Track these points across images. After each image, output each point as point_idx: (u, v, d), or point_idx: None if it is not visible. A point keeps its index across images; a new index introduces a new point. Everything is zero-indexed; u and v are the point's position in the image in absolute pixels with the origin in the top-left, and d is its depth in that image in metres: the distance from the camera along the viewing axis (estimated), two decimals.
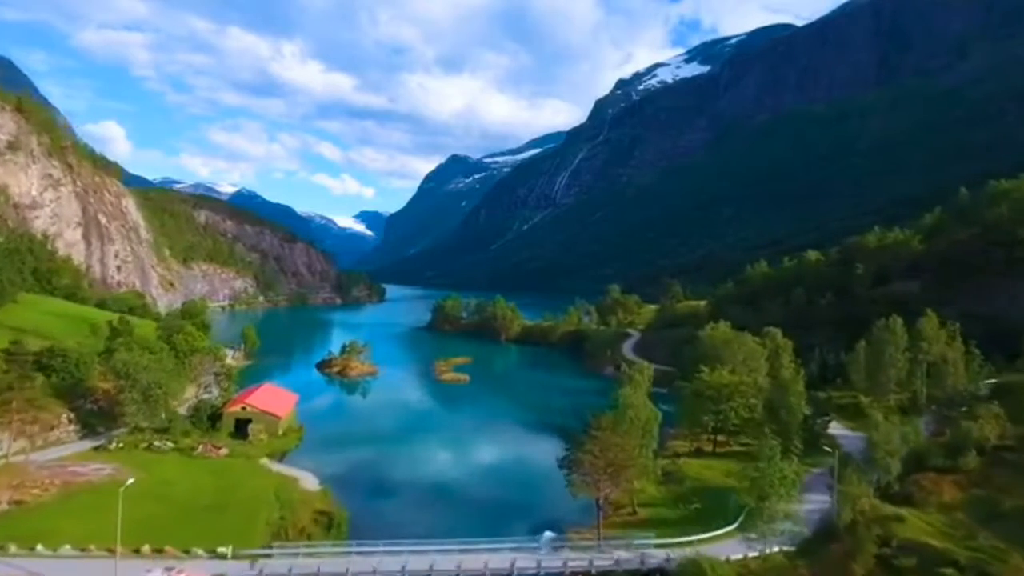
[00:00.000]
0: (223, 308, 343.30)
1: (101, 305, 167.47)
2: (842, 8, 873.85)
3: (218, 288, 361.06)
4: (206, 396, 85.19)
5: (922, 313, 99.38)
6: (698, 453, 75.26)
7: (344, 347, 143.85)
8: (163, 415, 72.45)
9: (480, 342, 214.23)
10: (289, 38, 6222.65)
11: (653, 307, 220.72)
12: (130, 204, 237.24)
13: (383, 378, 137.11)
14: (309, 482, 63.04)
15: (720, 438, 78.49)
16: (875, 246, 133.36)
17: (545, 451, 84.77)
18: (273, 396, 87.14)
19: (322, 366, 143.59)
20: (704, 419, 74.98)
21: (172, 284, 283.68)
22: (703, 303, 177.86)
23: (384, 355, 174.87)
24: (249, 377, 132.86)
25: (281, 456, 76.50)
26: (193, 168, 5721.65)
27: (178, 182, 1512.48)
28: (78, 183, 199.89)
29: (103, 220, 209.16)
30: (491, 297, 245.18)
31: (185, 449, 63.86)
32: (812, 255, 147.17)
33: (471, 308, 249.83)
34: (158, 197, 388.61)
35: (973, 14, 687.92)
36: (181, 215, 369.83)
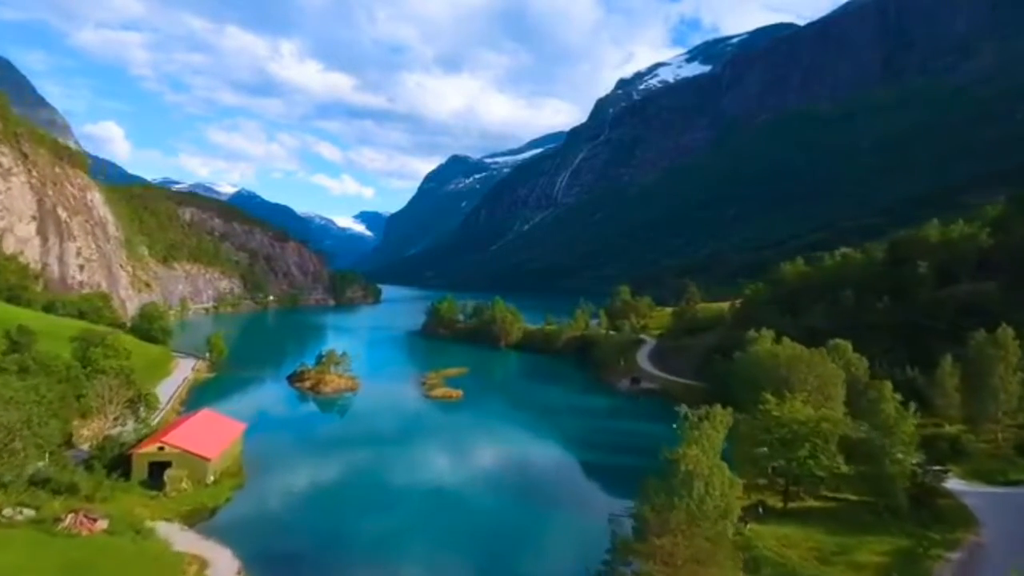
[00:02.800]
0: (207, 310, 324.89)
1: (49, 308, 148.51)
2: (845, 7, 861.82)
3: (202, 289, 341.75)
4: (117, 431, 65.63)
5: (1005, 320, 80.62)
6: (764, 512, 56.05)
7: (320, 357, 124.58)
8: (42, 463, 53.38)
9: (477, 348, 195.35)
10: (287, 37, 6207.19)
11: (666, 310, 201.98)
12: (96, 198, 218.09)
13: (363, 394, 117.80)
14: (223, 568, 43.96)
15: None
16: (937, 241, 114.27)
17: (554, 501, 65.72)
18: (206, 429, 67.98)
19: (294, 379, 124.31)
20: (772, 466, 55.89)
21: (148, 285, 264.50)
22: (727, 306, 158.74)
23: (369, 365, 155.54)
24: (210, 393, 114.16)
25: (211, 513, 57.48)
26: (192, 168, 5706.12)
27: (178, 182, 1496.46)
28: (34, 173, 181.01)
29: (63, 214, 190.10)
30: (490, 298, 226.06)
31: (46, 521, 44.72)
32: (858, 251, 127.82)
33: (468, 311, 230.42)
34: (141, 193, 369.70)
35: (978, 13, 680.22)
36: (163, 212, 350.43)
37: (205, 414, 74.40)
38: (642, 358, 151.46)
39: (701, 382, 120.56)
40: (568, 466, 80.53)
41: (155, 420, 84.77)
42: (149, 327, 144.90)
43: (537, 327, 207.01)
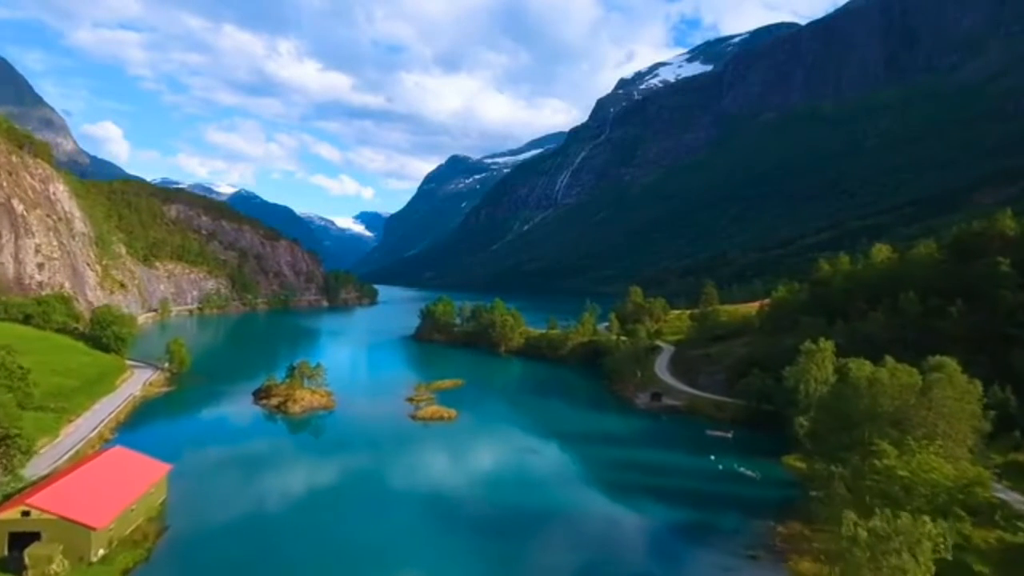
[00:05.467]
0: (190, 312, 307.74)
1: None
2: (848, 5, 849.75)
3: (186, 290, 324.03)
4: None
5: None
6: None
7: (291, 369, 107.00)
8: None
9: (475, 355, 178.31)
10: (285, 36, 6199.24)
11: (681, 313, 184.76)
12: (61, 190, 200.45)
13: (339, 413, 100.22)
14: None
15: None
16: (1015, 233, 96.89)
17: None
18: (104, 479, 50.54)
19: (260, 395, 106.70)
20: None
21: (123, 285, 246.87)
22: (754, 308, 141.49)
23: (352, 376, 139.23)
24: (157, 413, 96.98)
25: None
26: (191, 169, 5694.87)
27: (177, 183, 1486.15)
28: None
29: (19, 207, 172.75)
30: (489, 299, 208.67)
31: None
32: (923, 246, 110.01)
33: (466, 314, 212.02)
34: (121, 188, 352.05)
35: (984, 10, 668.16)
36: (145, 208, 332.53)
37: (114, 454, 57.00)
38: (660, 368, 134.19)
39: (735, 399, 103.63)
40: (590, 522, 62.13)
41: (68, 454, 67.87)
42: (100, 333, 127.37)
43: (540, 332, 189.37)
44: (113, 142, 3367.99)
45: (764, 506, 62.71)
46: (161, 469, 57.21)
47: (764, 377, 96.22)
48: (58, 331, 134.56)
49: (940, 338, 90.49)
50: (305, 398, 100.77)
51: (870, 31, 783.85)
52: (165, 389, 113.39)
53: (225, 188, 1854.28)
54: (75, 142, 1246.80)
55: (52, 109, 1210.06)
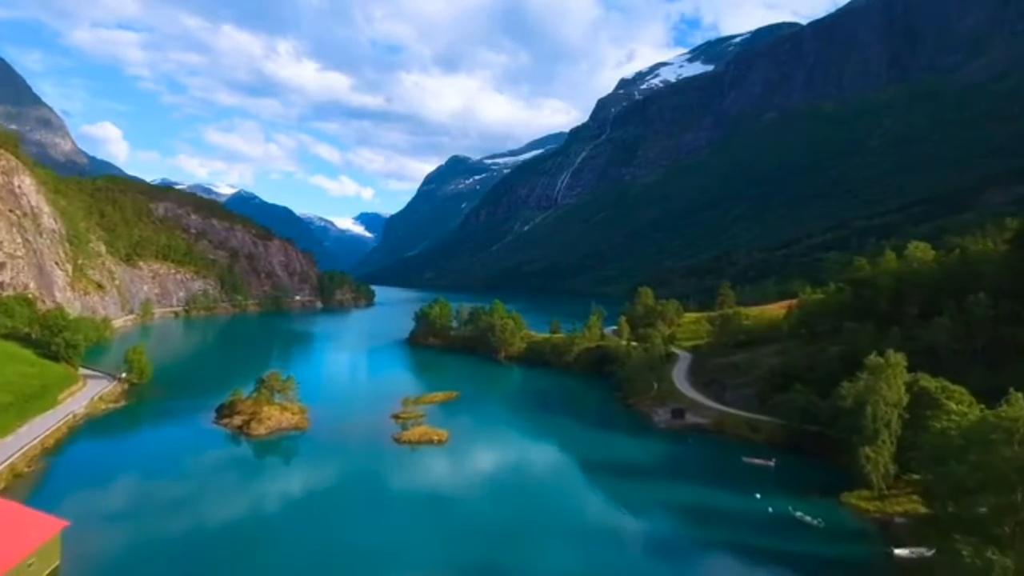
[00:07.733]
0: (176, 314, 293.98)
1: None
2: (849, 5, 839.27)
3: (172, 291, 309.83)
4: None
5: None
6: None
7: (259, 382, 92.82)
8: None
9: (473, 361, 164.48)
10: (283, 36, 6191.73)
11: (697, 316, 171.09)
12: (27, 184, 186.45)
13: (311, 435, 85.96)
14: None
15: None
16: None
17: None
18: None
19: (223, 413, 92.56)
20: None
21: (101, 286, 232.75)
22: (781, 312, 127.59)
23: (333, 387, 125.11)
24: (98, 434, 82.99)
25: None
26: (191, 169, 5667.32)
27: (177, 183, 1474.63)
28: None
29: None
30: (489, 301, 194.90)
31: None
32: (981, 243, 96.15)
33: (463, 317, 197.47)
34: (106, 186, 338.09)
35: (987, 9, 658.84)
36: (130, 206, 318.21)
37: None
38: (678, 378, 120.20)
39: (770, 416, 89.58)
40: None
41: None
42: (50, 339, 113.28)
43: (543, 336, 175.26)
44: (112, 142, 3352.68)
45: (837, 570, 48.93)
46: (52, 527, 43.33)
47: (807, 393, 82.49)
48: (5, 337, 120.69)
49: (1013, 348, 77.20)
50: (273, 416, 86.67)
51: (872, 30, 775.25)
52: (118, 404, 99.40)
53: (225, 189, 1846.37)
54: (73, 142, 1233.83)
55: (50, 109, 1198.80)
